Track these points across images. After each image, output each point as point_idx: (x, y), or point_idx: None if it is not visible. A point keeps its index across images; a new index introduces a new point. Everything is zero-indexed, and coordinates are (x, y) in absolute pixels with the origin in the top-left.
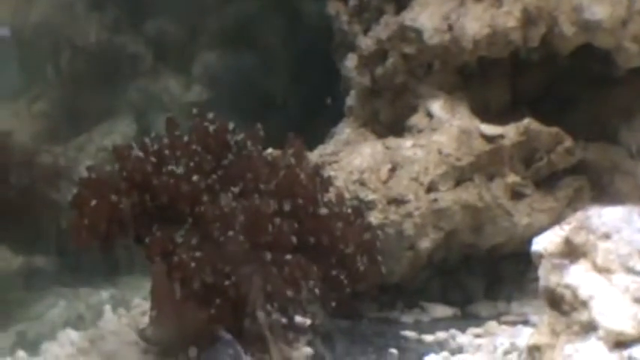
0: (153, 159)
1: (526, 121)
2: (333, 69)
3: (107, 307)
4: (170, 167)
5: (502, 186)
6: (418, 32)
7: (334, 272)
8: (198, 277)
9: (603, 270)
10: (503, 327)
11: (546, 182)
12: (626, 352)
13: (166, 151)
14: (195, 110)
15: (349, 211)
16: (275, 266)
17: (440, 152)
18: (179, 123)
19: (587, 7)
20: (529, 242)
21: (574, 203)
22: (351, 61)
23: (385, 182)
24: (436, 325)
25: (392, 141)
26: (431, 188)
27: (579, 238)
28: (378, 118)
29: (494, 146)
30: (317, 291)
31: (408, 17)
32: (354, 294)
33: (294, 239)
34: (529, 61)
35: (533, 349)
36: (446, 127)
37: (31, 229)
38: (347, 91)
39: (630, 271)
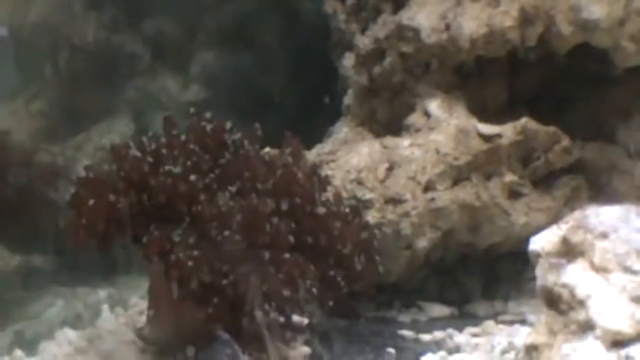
0: (150, 159)
1: (523, 120)
2: (330, 68)
3: (105, 307)
4: (167, 167)
5: (499, 185)
6: (416, 31)
7: (332, 272)
8: (196, 277)
9: (601, 269)
10: (501, 326)
11: (544, 181)
12: (623, 352)
13: (164, 151)
14: (192, 109)
15: (347, 210)
16: (272, 265)
17: (437, 151)
18: (176, 122)
19: (584, 7)
20: (526, 241)
21: (571, 202)
22: (348, 60)
23: (382, 181)
24: (433, 324)
25: (389, 140)
26: (428, 187)
27: (577, 238)
28: (375, 117)
29: (491, 145)
30: (314, 290)
31: (406, 16)
32: (352, 293)
33: (291, 239)
34: (526, 61)
35: (531, 349)
36: (443, 127)
37: (29, 229)
38: (344, 90)
39: (627, 270)
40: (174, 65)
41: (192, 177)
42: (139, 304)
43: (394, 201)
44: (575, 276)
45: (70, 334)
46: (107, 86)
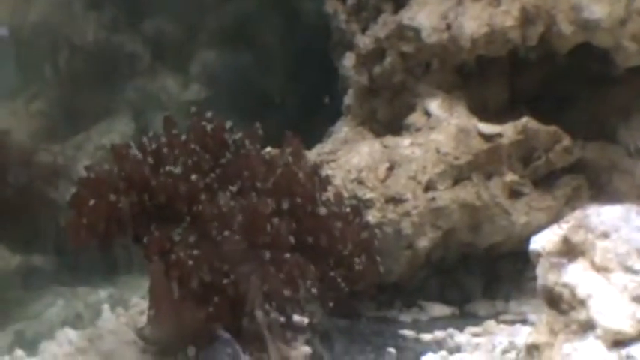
0: (151, 159)
1: (524, 120)
2: (331, 68)
3: (105, 306)
4: (168, 167)
5: (500, 185)
6: (416, 31)
7: (332, 271)
8: (196, 276)
9: (601, 269)
10: (502, 326)
11: (544, 181)
12: (624, 351)
13: (164, 150)
14: (193, 109)
15: (347, 210)
16: (273, 265)
17: (438, 151)
18: (177, 122)
19: (585, 6)
20: (527, 241)
21: (572, 202)
22: (349, 60)
23: (383, 181)
24: (434, 324)
25: (390, 140)
26: (429, 187)
27: (577, 237)
28: (376, 117)
29: (492, 145)
30: (315, 290)
31: (406, 16)
32: (353, 293)
33: (292, 239)
34: (527, 60)
35: (532, 348)
36: (444, 126)
37: (30, 228)
38: (345, 89)
39: (628, 269)
40: (175, 65)
41: (193, 177)
42: (139, 303)
43: (395, 201)
44: (576, 275)
45: (70, 333)
46: (107, 86)
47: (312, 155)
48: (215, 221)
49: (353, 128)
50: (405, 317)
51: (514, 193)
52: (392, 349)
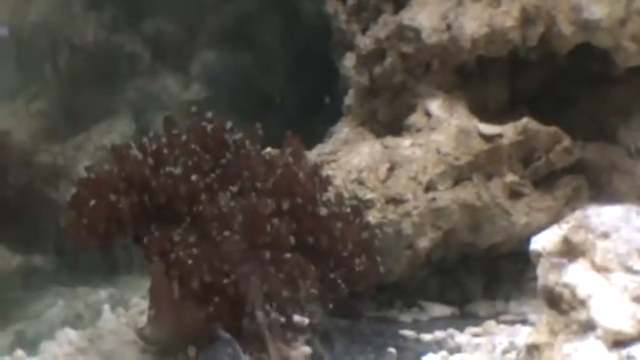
0: (151, 159)
1: (524, 120)
2: (331, 68)
3: (106, 307)
4: (168, 168)
5: (500, 185)
6: (416, 31)
7: (333, 272)
8: (196, 276)
9: (602, 269)
10: (502, 326)
11: (545, 181)
12: (624, 351)
13: (165, 151)
14: (193, 109)
15: (348, 210)
16: (273, 265)
17: (438, 151)
18: (177, 122)
19: (585, 7)
20: (527, 241)
21: (572, 202)
22: (349, 60)
23: (384, 181)
24: (434, 324)
25: (390, 140)
26: (429, 187)
27: (578, 237)
28: (376, 118)
29: (492, 145)
30: (315, 290)
31: (407, 16)
32: (353, 293)
33: (292, 240)
34: (527, 61)
35: (532, 348)
36: (444, 127)
37: (30, 229)
38: (345, 90)
39: (629, 270)
40: (175, 65)
41: (194, 177)
42: (139, 304)
43: (395, 201)
44: (577, 276)
45: (70, 334)
46: (107, 86)
47: (312, 155)
48: (215, 221)
49: (353, 128)
50: (406, 317)
51: (514, 194)
52: (392, 350)
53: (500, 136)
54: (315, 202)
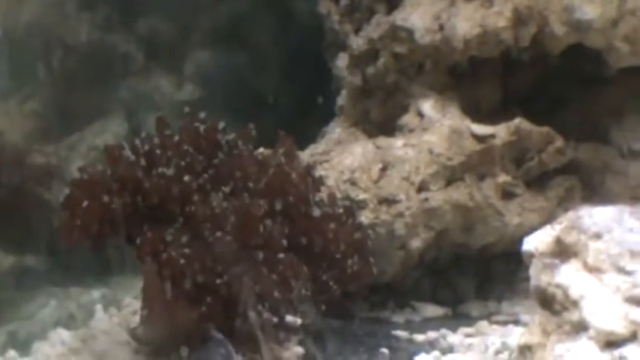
0: (143, 161)
1: (517, 120)
2: (324, 68)
3: (98, 307)
4: (161, 169)
5: (493, 186)
6: (409, 32)
7: (326, 272)
8: (189, 276)
9: (594, 270)
10: (494, 326)
11: (537, 182)
12: (617, 352)
13: (157, 151)
14: (186, 109)
15: (341, 211)
16: (266, 266)
17: (431, 152)
18: (169, 122)
19: (577, 7)
20: (520, 242)
21: (565, 203)
22: (342, 61)
23: (376, 182)
24: (427, 324)
25: (383, 140)
26: (422, 188)
27: (570, 238)
28: (369, 118)
29: (485, 146)
30: (308, 291)
31: (399, 17)
32: (346, 294)
33: (284, 242)
34: (520, 61)
35: (525, 349)
36: (437, 127)
37: (22, 229)
38: (338, 90)
39: (621, 270)
40: (168, 65)
41: (186, 177)
42: (132, 304)
43: (388, 201)
44: (569, 276)
45: (63, 334)
46: (101, 86)
47: (305, 156)
48: (208, 222)
49: (346, 129)
50: (398, 318)
51: (507, 194)
52: (385, 350)
53: (492, 136)
54: (307, 202)
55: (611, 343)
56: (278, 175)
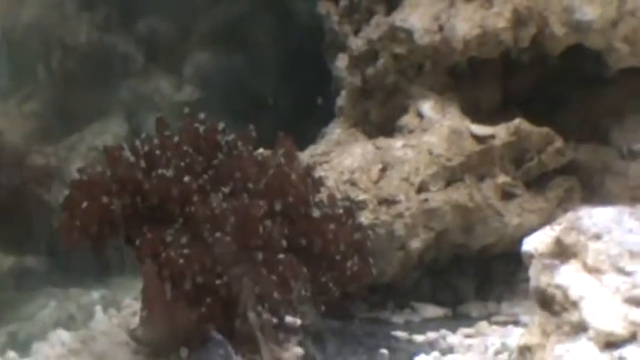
0: (143, 162)
1: (517, 121)
2: (323, 69)
3: (98, 308)
4: (161, 170)
5: (492, 186)
6: (409, 33)
7: (325, 273)
8: (189, 276)
9: (594, 270)
10: (494, 327)
11: (537, 183)
12: (616, 353)
13: (157, 152)
14: (186, 110)
15: (340, 211)
16: (265, 267)
17: (430, 152)
18: (169, 123)
19: (577, 8)
20: (519, 242)
21: (564, 204)
22: (341, 62)
23: (376, 182)
24: (427, 325)
25: (382, 141)
26: (421, 188)
27: (570, 239)
28: (368, 119)
29: (484, 146)
30: (307, 292)
31: (399, 18)
32: (345, 294)
33: (284, 243)
34: (520, 62)
35: (524, 350)
36: (436, 128)
37: (22, 230)
38: (338, 91)
39: (621, 271)
40: (168, 66)
41: (186, 178)
42: (132, 305)
43: (387, 202)
44: (569, 277)
45: (63, 335)
46: (100, 87)
47: (304, 156)
48: (207, 223)
49: (346, 129)
50: (398, 318)
51: (506, 195)
52: (384, 351)
53: (492, 137)
54: (307, 203)
55: (610, 343)
56: (278, 176)
